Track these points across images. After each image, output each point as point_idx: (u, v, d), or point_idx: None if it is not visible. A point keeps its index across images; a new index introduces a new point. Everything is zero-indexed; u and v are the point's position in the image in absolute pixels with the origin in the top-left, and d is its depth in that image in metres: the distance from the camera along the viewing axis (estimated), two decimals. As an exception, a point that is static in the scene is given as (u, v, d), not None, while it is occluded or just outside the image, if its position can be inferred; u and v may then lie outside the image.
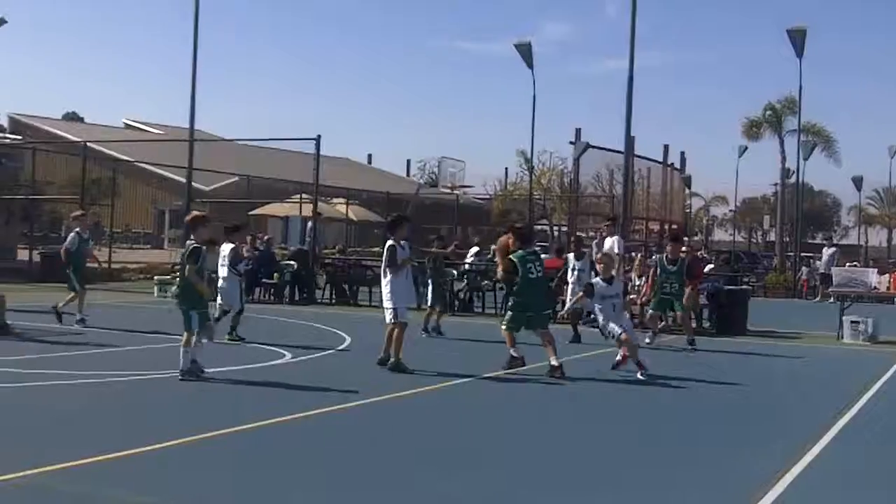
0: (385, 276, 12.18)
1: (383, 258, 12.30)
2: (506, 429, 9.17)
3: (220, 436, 8.04)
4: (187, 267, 10.97)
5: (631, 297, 20.32)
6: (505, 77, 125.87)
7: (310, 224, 27.53)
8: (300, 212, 36.50)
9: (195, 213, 12.55)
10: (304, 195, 35.11)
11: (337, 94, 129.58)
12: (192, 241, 11.30)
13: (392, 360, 12.07)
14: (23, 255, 29.91)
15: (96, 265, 18.24)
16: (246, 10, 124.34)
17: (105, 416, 9.05)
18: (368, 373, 11.98)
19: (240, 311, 15.11)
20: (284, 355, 13.26)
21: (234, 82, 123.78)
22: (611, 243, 19.04)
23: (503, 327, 12.54)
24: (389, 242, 12.21)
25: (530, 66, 37.15)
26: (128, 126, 69.06)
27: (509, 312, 12.56)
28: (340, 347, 14.78)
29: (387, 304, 12.12)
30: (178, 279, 13.46)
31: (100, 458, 7.05)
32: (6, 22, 41.49)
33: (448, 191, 34.31)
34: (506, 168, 62.07)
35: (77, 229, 16.49)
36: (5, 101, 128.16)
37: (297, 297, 23.25)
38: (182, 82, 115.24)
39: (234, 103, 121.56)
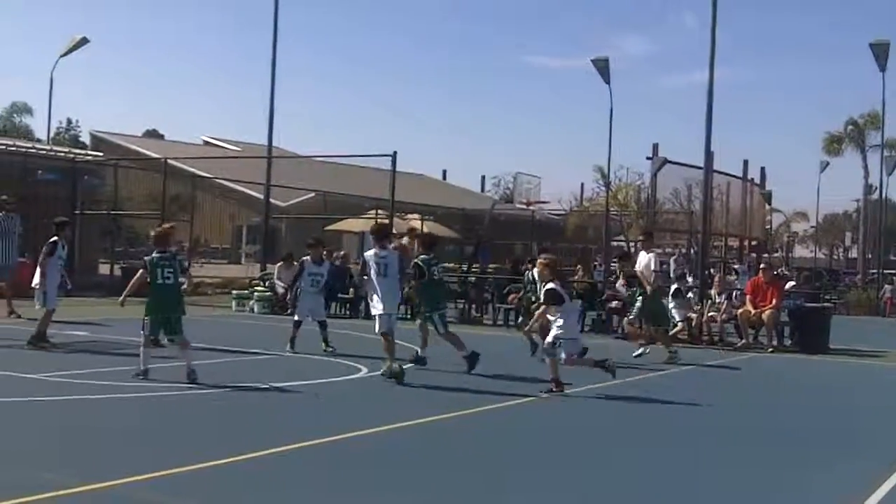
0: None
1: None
2: (549, 452, 8.99)
3: (300, 448, 8.04)
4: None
5: (710, 314, 20.06)
6: (581, 92, 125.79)
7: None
8: (376, 227, 36.54)
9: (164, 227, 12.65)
10: (379, 211, 35.19)
11: (413, 111, 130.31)
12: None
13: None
14: (103, 269, 30.42)
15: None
16: (323, 28, 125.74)
17: (184, 428, 9.08)
18: (444, 385, 11.90)
19: (322, 324, 15.23)
20: (361, 369, 13.22)
21: (312, 99, 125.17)
22: (647, 259, 18.79)
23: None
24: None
25: (607, 81, 36.91)
26: (206, 143, 70.02)
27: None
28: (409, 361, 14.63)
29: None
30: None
31: (176, 470, 7.08)
32: (88, 41, 42.56)
33: (523, 206, 34.12)
34: (581, 183, 61.74)
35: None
36: (88, 119, 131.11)
37: (371, 312, 23.21)
38: (260, 99, 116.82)
39: (311, 120, 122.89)
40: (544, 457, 8.39)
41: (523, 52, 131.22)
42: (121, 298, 12.08)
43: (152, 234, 12.39)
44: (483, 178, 76.43)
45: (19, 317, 18.20)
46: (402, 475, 7.45)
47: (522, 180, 33.78)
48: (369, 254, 12.91)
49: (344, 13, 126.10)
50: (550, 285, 11.82)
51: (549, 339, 11.82)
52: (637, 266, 17.84)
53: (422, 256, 13.82)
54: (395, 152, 23.52)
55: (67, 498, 6.27)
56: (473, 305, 24.26)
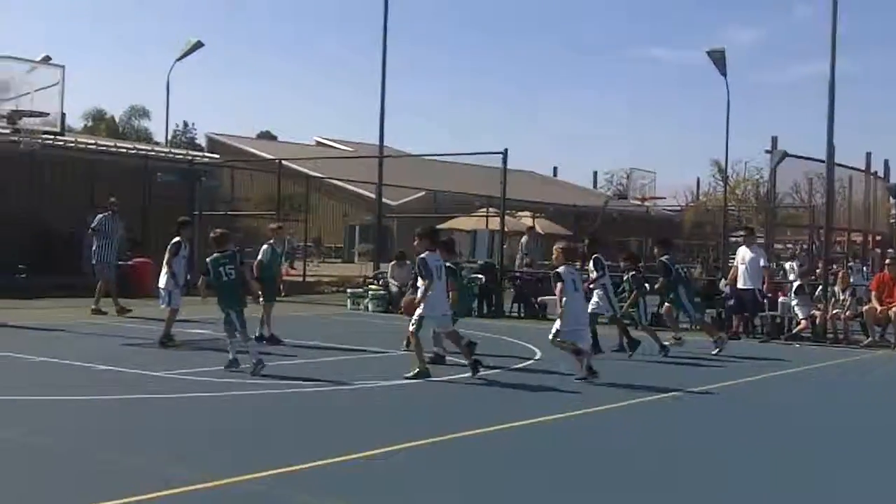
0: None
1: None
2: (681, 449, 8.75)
3: (423, 445, 8.06)
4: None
5: (835, 311, 19.41)
6: (696, 85, 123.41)
7: (497, 237, 27.49)
8: (487, 225, 36.51)
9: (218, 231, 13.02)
10: (490, 209, 35.11)
11: (523, 106, 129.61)
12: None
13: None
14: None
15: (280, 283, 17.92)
16: (433, 25, 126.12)
17: (306, 424, 9.13)
18: (562, 385, 11.83)
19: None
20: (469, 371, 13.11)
21: (422, 96, 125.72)
22: (752, 254, 18.42)
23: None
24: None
25: (723, 73, 36.14)
26: (319, 143, 70.92)
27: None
28: (533, 360, 14.54)
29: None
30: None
31: (304, 466, 7.15)
32: (202, 45, 43.44)
33: (638, 203, 33.65)
34: (697, 178, 60.65)
35: (272, 241, 16.27)
36: (203, 122, 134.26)
37: (485, 311, 23.18)
38: (371, 99, 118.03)
39: (421, 117, 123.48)
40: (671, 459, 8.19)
41: (634, 45, 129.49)
42: (201, 299, 13.00)
43: (211, 236, 12.79)
44: (595, 174, 75.74)
45: (129, 311, 18.69)
46: (534, 472, 7.36)
47: (637, 176, 33.31)
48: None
49: (453, 9, 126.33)
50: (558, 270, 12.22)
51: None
52: (737, 260, 17.61)
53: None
54: (506, 149, 23.37)
55: (195, 494, 6.35)
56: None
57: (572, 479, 7.34)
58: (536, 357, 14.86)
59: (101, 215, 19.80)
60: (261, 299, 14.53)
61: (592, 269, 15.65)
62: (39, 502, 6.26)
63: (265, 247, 16.17)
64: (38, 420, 8.94)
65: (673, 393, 11.61)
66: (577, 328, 12.34)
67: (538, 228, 36.91)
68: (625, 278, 16.66)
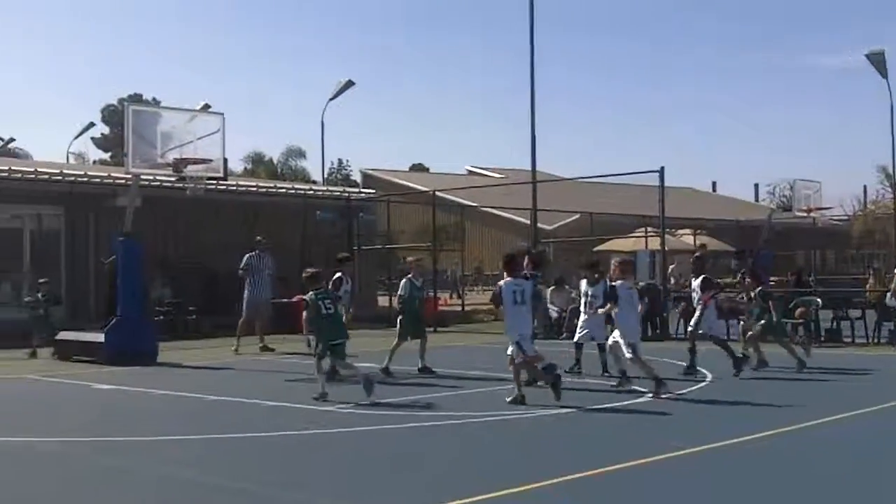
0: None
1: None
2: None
3: (601, 474, 7.90)
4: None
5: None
6: (856, 89, 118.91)
7: (658, 258, 26.95)
8: (646, 246, 35.87)
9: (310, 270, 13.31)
10: (648, 228, 34.49)
11: (679, 122, 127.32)
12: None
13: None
14: (382, 301, 31.38)
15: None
16: (582, 44, 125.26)
17: (487, 452, 9.03)
18: (734, 409, 11.41)
19: (601, 347, 14.90)
20: (643, 393, 12.80)
21: (573, 118, 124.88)
22: None
23: None
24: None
25: (884, 75, 34.69)
26: (470, 172, 71.33)
27: None
28: (702, 384, 14.10)
29: None
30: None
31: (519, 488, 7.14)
32: (353, 84, 44.34)
33: (803, 214, 32.50)
34: (864, 186, 58.37)
35: (410, 275, 16.16)
36: (357, 158, 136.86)
37: (649, 333, 22.67)
38: (521, 124, 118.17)
39: (573, 140, 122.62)
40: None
41: (790, 51, 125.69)
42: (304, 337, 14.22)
43: (304, 276, 13.17)
44: (756, 186, 73.76)
45: (272, 350, 19.14)
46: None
47: (800, 186, 32.14)
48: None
49: (599, 27, 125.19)
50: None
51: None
52: None
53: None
54: (663, 167, 22.85)
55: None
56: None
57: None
58: (708, 379, 14.43)
59: (247, 255, 20.14)
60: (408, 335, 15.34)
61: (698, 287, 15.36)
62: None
63: (404, 281, 16.20)
64: (210, 458, 9.12)
65: (852, 412, 11.06)
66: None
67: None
68: (752, 295, 16.17)
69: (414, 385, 14.03)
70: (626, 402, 12.08)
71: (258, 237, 20.54)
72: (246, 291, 20.13)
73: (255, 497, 7.50)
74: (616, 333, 13.08)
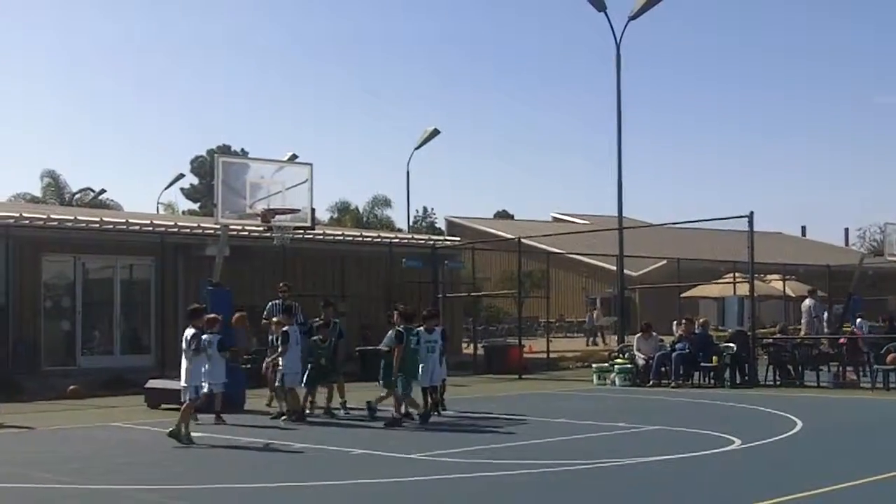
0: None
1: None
2: None
3: None
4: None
5: None
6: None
7: (747, 304, 26.50)
8: (734, 291, 35.34)
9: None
10: (737, 274, 33.98)
11: (767, 165, 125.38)
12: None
13: None
14: (467, 349, 31.37)
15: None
16: (666, 90, 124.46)
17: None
18: (827, 459, 11.13)
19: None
20: (733, 441, 12.56)
21: (659, 164, 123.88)
22: None
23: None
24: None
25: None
26: (555, 219, 71.27)
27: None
28: (792, 432, 13.78)
29: None
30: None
31: None
32: (439, 132, 44.79)
33: (895, 259, 31.74)
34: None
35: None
36: (442, 206, 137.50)
37: (737, 381, 22.28)
38: (607, 171, 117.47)
39: (659, 186, 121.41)
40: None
41: (875, 93, 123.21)
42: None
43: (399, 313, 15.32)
44: (846, 231, 72.32)
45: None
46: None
47: (892, 230, 31.37)
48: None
49: (685, 69, 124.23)
50: None
51: None
52: None
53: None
54: (752, 212, 22.53)
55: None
56: (849, 368, 22.62)
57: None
58: (797, 428, 14.11)
59: (270, 303, 18.41)
60: None
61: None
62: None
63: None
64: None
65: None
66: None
67: (789, 291, 35.46)
68: None
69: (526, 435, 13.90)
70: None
71: (280, 283, 18.96)
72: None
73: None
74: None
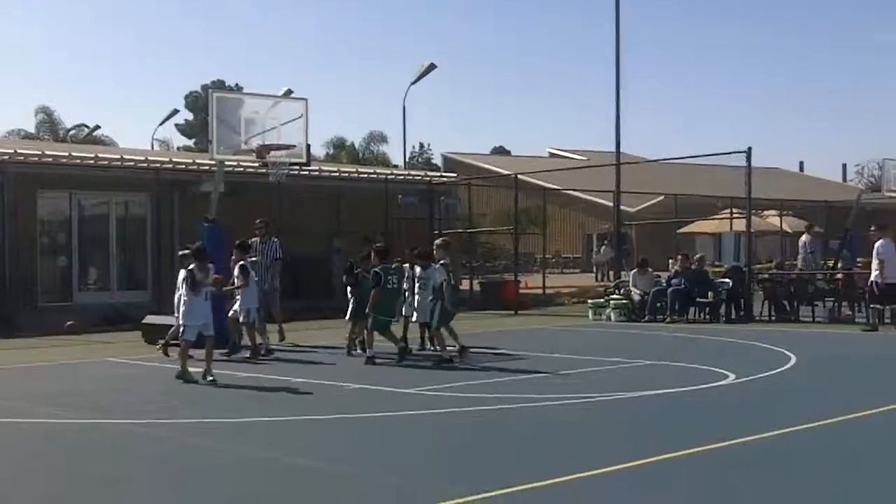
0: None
1: None
2: None
3: (678, 457, 7.84)
4: None
5: None
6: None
7: (743, 239, 26.52)
8: (731, 227, 35.36)
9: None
10: (734, 210, 33.97)
11: (766, 101, 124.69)
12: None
13: None
14: (463, 284, 31.41)
15: None
16: (668, 24, 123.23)
17: (561, 436, 8.99)
18: (821, 392, 11.26)
19: None
20: (728, 376, 12.63)
21: (657, 99, 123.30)
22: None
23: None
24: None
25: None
26: (552, 155, 70.95)
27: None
28: (786, 367, 13.86)
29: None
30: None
31: (563, 479, 7.13)
32: (435, 67, 44.40)
33: (893, 195, 31.64)
34: (955, 164, 56.58)
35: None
36: (438, 142, 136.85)
37: (733, 316, 22.37)
38: (605, 106, 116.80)
39: (657, 121, 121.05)
40: None
41: (875, 30, 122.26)
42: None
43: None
44: (844, 166, 72.21)
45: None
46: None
47: (890, 166, 31.25)
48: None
49: (686, 6, 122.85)
50: None
51: None
52: None
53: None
54: (750, 148, 22.39)
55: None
56: (844, 304, 22.70)
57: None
58: (791, 363, 14.19)
59: (251, 241, 17.69)
60: None
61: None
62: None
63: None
64: (296, 439, 9.22)
65: None
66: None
67: (786, 227, 35.44)
68: None
69: (517, 371, 13.98)
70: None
71: (257, 221, 18.48)
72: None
73: (348, 478, 7.55)
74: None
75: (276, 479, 7.54)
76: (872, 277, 19.20)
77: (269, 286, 17.95)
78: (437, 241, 16.19)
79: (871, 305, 19.75)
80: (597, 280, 38.35)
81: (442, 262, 15.28)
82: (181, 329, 13.37)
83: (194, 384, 12.58)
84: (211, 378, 12.60)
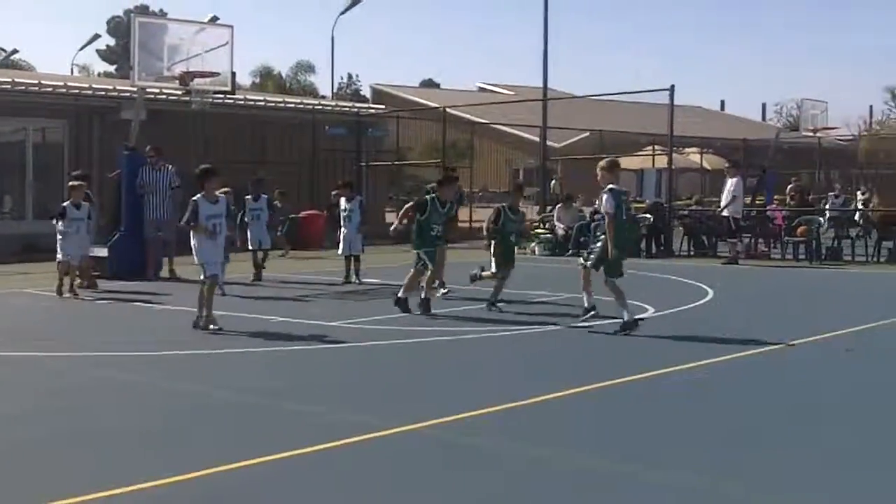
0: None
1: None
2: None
3: (602, 387, 8.06)
4: None
5: None
6: (861, 6, 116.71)
7: (665, 176, 26.87)
8: (653, 164, 35.78)
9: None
10: (656, 146, 34.36)
11: (688, 41, 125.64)
12: None
13: None
14: (390, 218, 31.35)
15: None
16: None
17: (472, 371, 9.12)
18: (737, 324, 11.60)
19: None
20: (647, 309, 12.86)
21: (584, 36, 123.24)
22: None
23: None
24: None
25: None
26: (481, 89, 70.75)
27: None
28: (704, 300, 14.17)
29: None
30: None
31: (491, 409, 7.28)
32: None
33: (809, 134, 32.22)
34: (870, 106, 57.89)
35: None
36: (367, 74, 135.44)
37: (654, 251, 22.73)
38: (533, 42, 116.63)
39: (584, 58, 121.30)
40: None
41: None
42: None
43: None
44: (764, 106, 73.14)
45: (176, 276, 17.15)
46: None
47: (808, 106, 31.79)
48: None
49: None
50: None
51: None
52: None
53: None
54: (673, 86, 22.65)
55: (379, 439, 6.47)
56: (760, 240, 23.20)
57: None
58: (708, 297, 14.50)
59: (140, 168, 17.35)
60: None
61: None
62: (240, 453, 6.36)
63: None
64: (222, 374, 9.21)
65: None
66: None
67: (706, 164, 35.94)
68: None
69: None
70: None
71: (147, 147, 17.64)
72: (145, 211, 17.46)
73: (274, 410, 7.57)
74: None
75: (186, 407, 7.55)
76: (729, 213, 20.37)
77: (170, 215, 16.88)
78: (602, 163, 11.77)
79: (729, 240, 20.80)
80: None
81: (611, 187, 11.32)
82: (201, 270, 11.54)
83: (105, 314, 12.46)
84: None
